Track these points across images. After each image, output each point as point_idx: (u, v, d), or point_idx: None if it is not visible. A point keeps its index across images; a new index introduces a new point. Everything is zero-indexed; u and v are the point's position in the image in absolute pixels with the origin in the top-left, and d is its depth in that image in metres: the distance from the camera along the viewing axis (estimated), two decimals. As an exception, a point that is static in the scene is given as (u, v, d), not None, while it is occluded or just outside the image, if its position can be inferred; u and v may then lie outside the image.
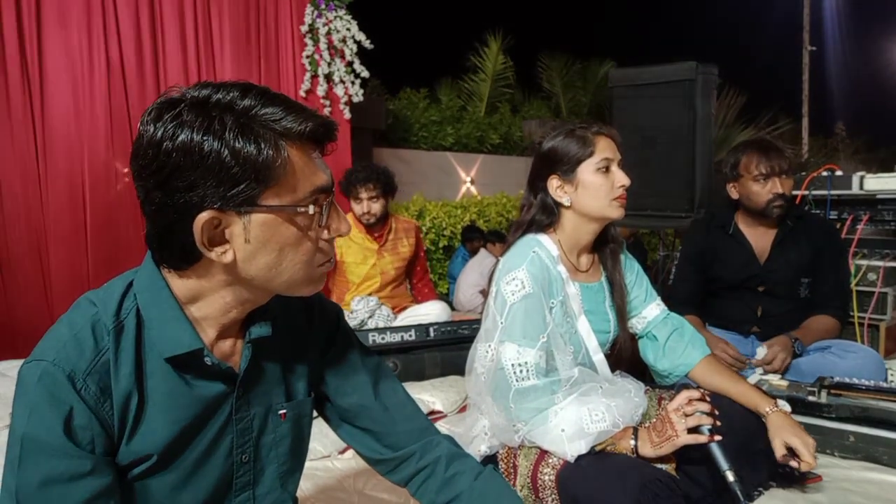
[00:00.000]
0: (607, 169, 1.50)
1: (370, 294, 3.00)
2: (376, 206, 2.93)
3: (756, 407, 1.50)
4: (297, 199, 0.78)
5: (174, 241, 0.77)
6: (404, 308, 3.10)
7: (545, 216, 1.56)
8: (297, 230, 0.79)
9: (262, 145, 0.74)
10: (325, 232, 0.82)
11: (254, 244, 0.78)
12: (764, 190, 2.17)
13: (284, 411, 0.94)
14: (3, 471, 0.76)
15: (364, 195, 2.90)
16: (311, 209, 0.79)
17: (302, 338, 0.98)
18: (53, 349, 0.76)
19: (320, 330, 1.01)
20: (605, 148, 1.50)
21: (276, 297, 0.91)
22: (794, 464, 1.41)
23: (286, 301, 0.95)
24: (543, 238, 1.54)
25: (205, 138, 0.72)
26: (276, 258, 0.79)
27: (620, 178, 1.50)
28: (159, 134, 0.73)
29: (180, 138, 0.72)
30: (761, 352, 2.08)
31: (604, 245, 1.63)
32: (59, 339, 0.77)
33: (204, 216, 0.74)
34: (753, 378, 1.95)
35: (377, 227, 3.01)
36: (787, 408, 1.54)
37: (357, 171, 2.95)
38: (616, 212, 1.51)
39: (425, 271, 3.32)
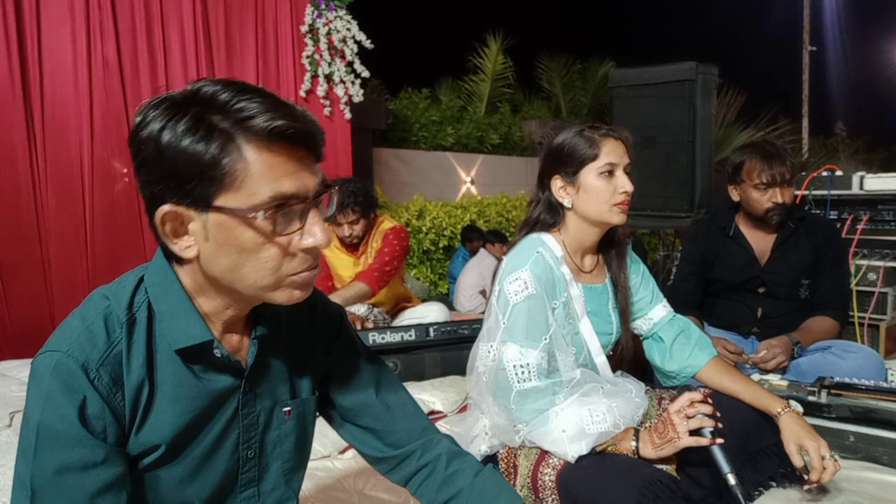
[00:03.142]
0: (611, 173, 1.48)
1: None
2: (358, 228, 2.84)
3: (767, 408, 1.49)
4: (254, 203, 0.74)
5: (155, 230, 0.79)
6: (402, 308, 3.10)
7: (550, 215, 1.55)
8: (256, 235, 0.75)
9: (211, 143, 0.72)
10: (299, 240, 0.78)
11: (212, 243, 0.77)
12: (763, 198, 2.16)
13: (289, 408, 0.95)
14: (16, 461, 0.77)
15: (343, 220, 2.80)
16: (261, 216, 0.74)
17: (307, 337, 0.99)
18: (67, 340, 0.77)
19: (324, 329, 1.02)
20: (611, 151, 1.48)
21: None
22: (812, 477, 1.40)
23: None
24: (548, 238, 1.53)
25: (163, 131, 0.73)
26: (235, 261, 0.77)
27: (623, 184, 1.47)
28: (137, 121, 0.76)
29: (148, 129, 0.74)
30: (760, 351, 2.09)
31: (609, 246, 1.62)
32: (72, 331, 0.79)
33: (164, 208, 0.76)
34: (753, 378, 1.95)
35: (357, 244, 2.95)
36: (800, 409, 1.54)
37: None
38: (616, 217, 1.49)
39: (380, 258, 2.89)
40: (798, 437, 1.42)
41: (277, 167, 0.74)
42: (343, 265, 2.98)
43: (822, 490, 1.57)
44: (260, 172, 0.74)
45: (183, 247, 0.78)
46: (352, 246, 2.95)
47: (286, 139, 0.74)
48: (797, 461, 1.41)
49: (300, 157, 0.77)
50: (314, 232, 0.78)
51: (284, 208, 0.75)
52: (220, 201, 0.74)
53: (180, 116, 0.73)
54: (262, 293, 0.80)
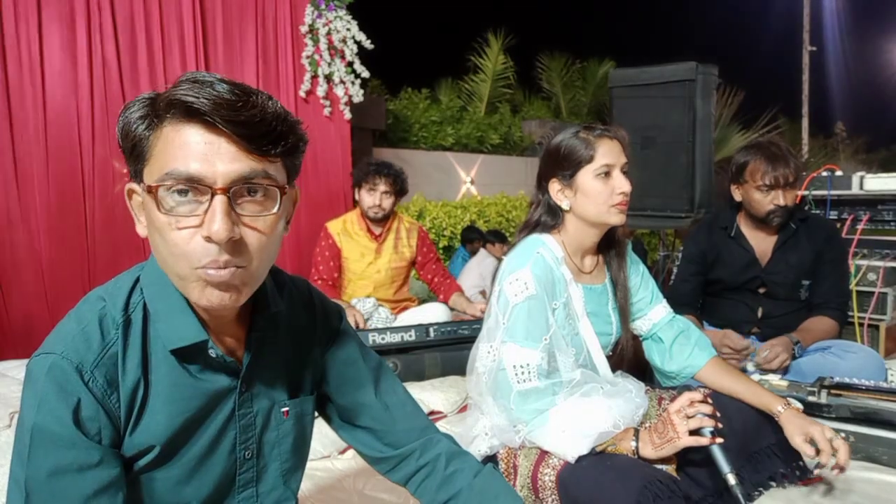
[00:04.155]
0: (608, 174, 1.47)
1: (368, 295, 2.99)
2: (387, 202, 2.95)
3: (767, 406, 1.49)
4: (157, 177, 0.73)
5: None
6: (405, 308, 3.10)
7: (550, 217, 1.55)
8: (160, 213, 0.74)
9: (145, 119, 0.75)
10: (203, 227, 0.73)
11: (147, 221, 0.78)
12: (766, 200, 2.16)
13: (287, 409, 0.94)
14: (11, 463, 0.77)
15: (381, 187, 2.91)
16: (161, 192, 0.72)
17: (305, 337, 0.98)
18: (62, 342, 0.77)
19: (322, 329, 1.01)
20: (606, 153, 1.47)
21: (277, 295, 0.92)
22: (822, 460, 1.38)
23: (289, 300, 0.96)
24: (548, 238, 1.53)
25: (126, 116, 0.77)
26: (157, 242, 0.77)
27: (620, 185, 1.47)
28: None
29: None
30: (762, 352, 2.09)
31: (609, 247, 1.62)
32: (67, 333, 0.79)
33: (128, 184, 0.80)
34: (753, 378, 1.95)
35: (378, 225, 3.01)
36: (799, 406, 1.54)
37: (380, 165, 2.97)
38: (615, 218, 1.49)
39: (441, 266, 3.25)
40: (803, 428, 1.42)
41: (187, 147, 0.73)
42: (362, 250, 3.00)
43: (822, 490, 1.57)
44: (170, 149, 0.73)
45: (143, 225, 0.80)
46: (375, 224, 3.00)
47: (200, 121, 0.72)
48: (807, 450, 1.40)
49: (219, 142, 0.73)
50: (211, 222, 0.72)
51: (188, 185, 0.73)
52: (143, 176, 0.76)
53: (141, 104, 0.76)
54: (182, 284, 0.78)
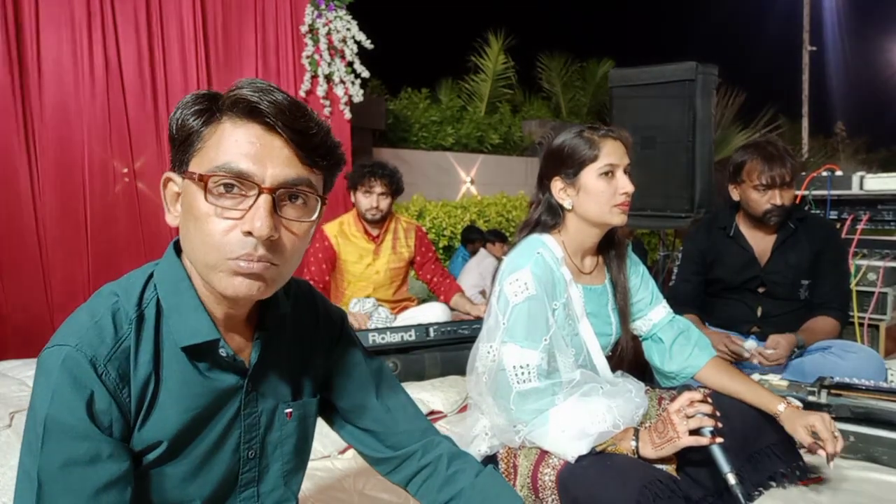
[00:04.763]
0: (611, 174, 1.47)
1: (367, 296, 2.99)
2: (385, 203, 2.94)
3: (767, 406, 1.50)
4: (207, 168, 0.76)
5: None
6: (405, 308, 3.10)
7: (550, 217, 1.55)
8: (204, 203, 0.76)
9: (203, 115, 0.78)
10: (245, 221, 0.76)
11: (183, 209, 0.80)
12: (763, 199, 2.16)
13: (290, 410, 0.95)
14: (21, 455, 0.77)
15: (378, 189, 2.91)
16: (210, 182, 0.75)
17: (308, 339, 0.99)
18: (75, 335, 0.78)
19: (325, 332, 1.02)
20: (610, 152, 1.47)
21: (284, 298, 0.93)
22: (822, 452, 1.40)
23: (294, 302, 0.97)
24: (548, 239, 1.53)
25: (179, 110, 0.80)
26: (191, 229, 0.79)
27: (623, 185, 1.47)
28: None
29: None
30: (768, 345, 2.10)
31: (609, 247, 1.62)
32: (80, 326, 0.79)
33: (165, 173, 0.82)
34: (753, 378, 1.95)
35: (376, 226, 3.01)
36: (799, 405, 1.55)
37: (374, 165, 2.97)
38: (617, 218, 1.49)
39: (440, 265, 3.24)
40: (805, 419, 1.43)
41: (241, 144, 0.76)
42: (360, 252, 3.00)
43: (822, 490, 1.57)
44: (224, 144, 0.77)
45: (174, 215, 0.82)
46: (372, 225, 3.00)
47: (261, 122, 0.76)
48: (806, 440, 1.41)
49: (273, 145, 0.77)
50: (254, 218, 0.76)
51: (236, 181, 0.76)
52: (190, 166, 0.78)
53: (200, 99, 0.79)
54: (208, 273, 0.79)
